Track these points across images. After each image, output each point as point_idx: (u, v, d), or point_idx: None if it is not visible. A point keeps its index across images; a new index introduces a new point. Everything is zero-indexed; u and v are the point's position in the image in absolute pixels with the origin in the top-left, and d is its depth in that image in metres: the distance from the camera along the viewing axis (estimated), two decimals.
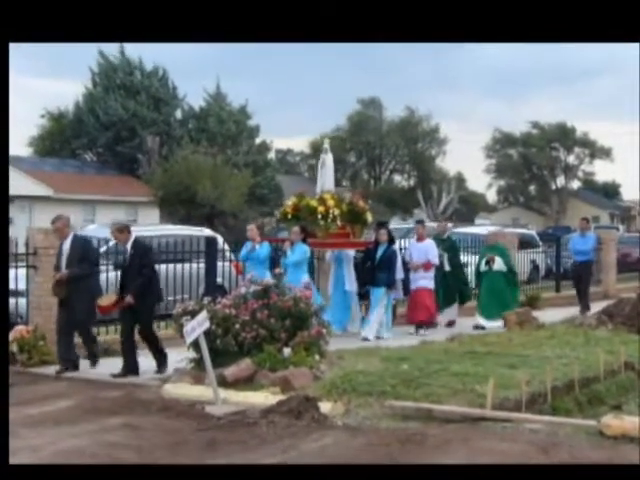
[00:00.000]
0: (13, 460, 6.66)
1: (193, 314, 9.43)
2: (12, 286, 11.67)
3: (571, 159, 75.64)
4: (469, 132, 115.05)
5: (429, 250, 14.78)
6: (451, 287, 15.62)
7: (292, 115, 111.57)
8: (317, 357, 9.97)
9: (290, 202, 14.16)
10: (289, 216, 13.95)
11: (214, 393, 8.54)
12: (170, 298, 13.06)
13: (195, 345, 9.26)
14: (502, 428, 7.63)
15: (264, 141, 50.50)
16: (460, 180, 73.45)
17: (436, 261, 14.76)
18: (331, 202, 13.61)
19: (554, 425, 7.71)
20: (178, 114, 49.42)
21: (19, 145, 53.36)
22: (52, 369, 10.75)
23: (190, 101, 50.12)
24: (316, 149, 75.72)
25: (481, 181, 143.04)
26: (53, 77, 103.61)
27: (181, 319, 9.87)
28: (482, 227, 28.14)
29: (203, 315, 8.81)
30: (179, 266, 13.57)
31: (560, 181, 76.01)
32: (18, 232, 23.78)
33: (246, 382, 9.25)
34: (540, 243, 25.39)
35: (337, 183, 63.76)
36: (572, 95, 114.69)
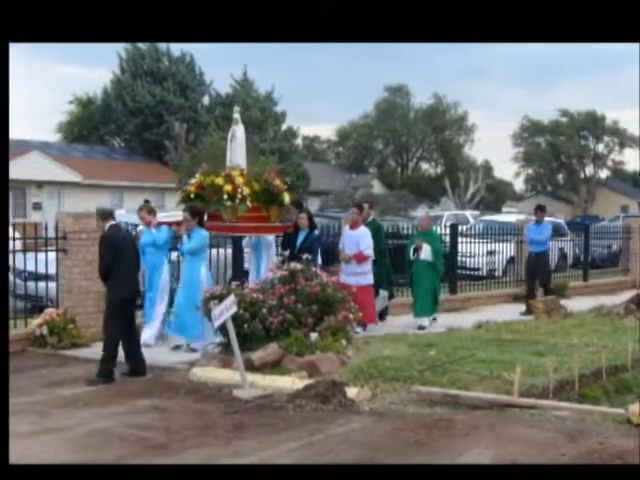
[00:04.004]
0: (46, 438, 6.80)
1: (221, 299, 9.49)
2: (42, 270, 11.87)
3: (600, 148, 74.83)
4: (497, 120, 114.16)
5: (361, 239, 12.79)
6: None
7: (319, 102, 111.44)
8: (344, 342, 10.02)
9: (194, 180, 12.17)
10: (192, 196, 11.99)
11: (241, 377, 8.60)
12: None
13: (223, 329, 9.33)
14: (529, 415, 7.62)
15: (290, 128, 50.46)
16: (487, 168, 72.88)
17: (369, 252, 12.78)
18: (240, 180, 11.70)
19: (581, 413, 7.70)
20: (205, 100, 49.54)
21: (48, 131, 53.92)
22: (82, 352, 10.88)
23: (217, 87, 50.29)
24: (343, 136, 75.86)
25: (509, 169, 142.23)
26: (81, 64, 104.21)
27: (209, 303, 9.94)
28: (509, 215, 28.03)
29: (231, 299, 8.86)
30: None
31: (589, 170, 75.23)
32: (48, 217, 24.05)
33: (273, 366, 9.31)
34: (568, 232, 25.25)
35: (364, 170, 63.10)
36: (602, 83, 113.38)
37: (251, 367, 9.08)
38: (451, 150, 72.71)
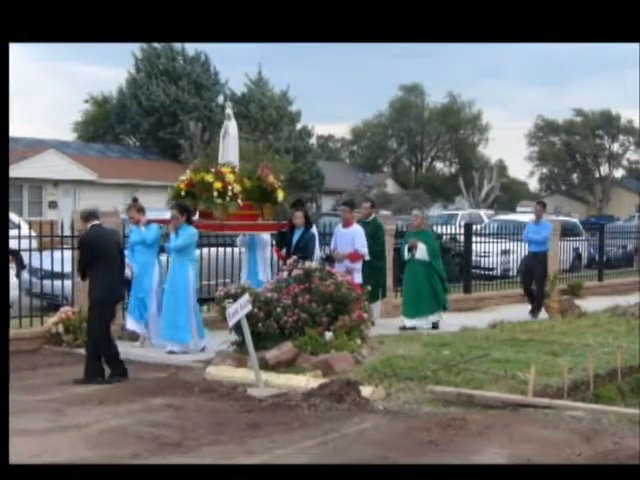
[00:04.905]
0: (61, 436, 6.84)
1: (235, 297, 9.51)
2: (58, 268, 11.93)
3: (615, 147, 74.54)
4: (512, 119, 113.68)
5: (356, 237, 12.60)
6: (371, 280, 12.63)
7: (333, 101, 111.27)
8: (358, 341, 10.02)
9: (184, 177, 11.86)
10: (182, 193, 11.73)
11: (256, 376, 8.61)
12: (212, 282, 13.20)
13: (237, 328, 9.35)
14: (544, 415, 7.60)
15: (305, 127, 50.46)
16: (502, 167, 72.68)
17: (364, 251, 12.59)
18: (231, 177, 11.36)
19: (596, 413, 7.67)
20: (220, 100, 49.61)
21: (64, 130, 54.24)
22: None
23: (232, 87, 50.37)
24: (357, 135, 75.83)
25: (523, 169, 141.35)
26: (97, 63, 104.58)
27: (223, 302, 9.96)
28: (524, 214, 27.94)
29: (245, 298, 8.87)
30: (221, 250, 13.67)
31: (604, 169, 74.94)
32: (63, 215, 24.16)
33: (288, 365, 9.32)
34: (583, 232, 25.17)
35: (378, 169, 62.96)
36: (617, 82, 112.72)
37: (265, 366, 9.09)
38: (465, 149, 72.52)
